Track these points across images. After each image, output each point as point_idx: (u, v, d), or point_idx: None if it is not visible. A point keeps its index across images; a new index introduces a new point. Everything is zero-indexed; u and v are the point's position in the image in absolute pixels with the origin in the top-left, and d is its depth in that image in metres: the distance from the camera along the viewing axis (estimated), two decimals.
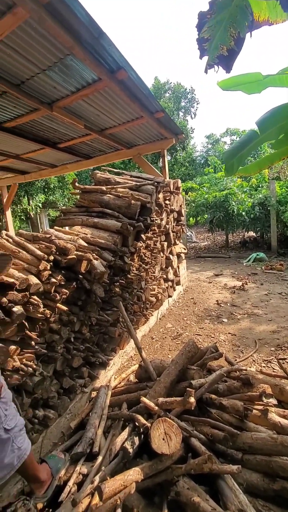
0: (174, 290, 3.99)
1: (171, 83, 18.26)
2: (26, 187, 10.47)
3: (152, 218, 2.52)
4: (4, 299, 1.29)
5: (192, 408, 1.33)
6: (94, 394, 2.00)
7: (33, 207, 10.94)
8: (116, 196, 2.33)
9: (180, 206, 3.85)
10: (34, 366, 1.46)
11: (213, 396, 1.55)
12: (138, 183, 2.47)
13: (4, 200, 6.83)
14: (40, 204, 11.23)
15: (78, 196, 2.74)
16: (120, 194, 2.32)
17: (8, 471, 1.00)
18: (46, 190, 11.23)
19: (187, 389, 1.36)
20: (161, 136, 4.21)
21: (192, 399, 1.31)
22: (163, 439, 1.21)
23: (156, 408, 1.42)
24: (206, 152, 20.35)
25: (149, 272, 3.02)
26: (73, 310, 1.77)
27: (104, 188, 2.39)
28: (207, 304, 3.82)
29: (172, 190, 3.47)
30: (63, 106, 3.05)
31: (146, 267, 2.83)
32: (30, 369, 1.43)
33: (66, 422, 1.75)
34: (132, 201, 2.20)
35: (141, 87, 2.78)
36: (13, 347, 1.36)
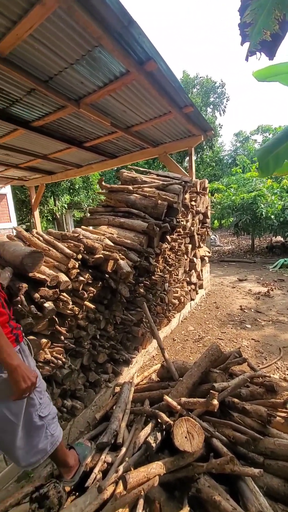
0: (197, 293, 4.01)
1: (200, 77, 17.91)
2: (52, 188, 11.00)
3: (178, 219, 2.58)
4: (37, 295, 1.44)
5: (215, 410, 1.39)
6: (117, 389, 2.13)
7: (59, 208, 11.46)
8: (142, 195, 2.42)
9: (206, 207, 3.85)
10: (63, 359, 1.60)
11: (236, 400, 1.59)
12: (165, 183, 2.53)
13: (33, 200, 7.24)
14: (65, 205, 11.73)
15: (102, 197, 2.85)
16: (147, 194, 2.40)
17: (42, 455, 1.12)
18: (71, 190, 11.70)
19: (210, 391, 1.42)
20: (188, 133, 4.21)
21: (215, 401, 1.37)
22: (186, 437, 1.29)
23: (179, 407, 1.49)
24: (235, 151, 19.74)
25: (173, 274, 3.09)
26: (99, 308, 1.90)
27: (130, 187, 2.49)
28: (230, 309, 3.80)
29: (198, 190, 3.49)
30: (90, 103, 3.14)
31: (170, 269, 2.90)
32: (60, 361, 1.58)
33: (92, 413, 1.89)
34: (159, 201, 2.27)
35: (170, 79, 2.71)
36: (44, 340, 1.51)
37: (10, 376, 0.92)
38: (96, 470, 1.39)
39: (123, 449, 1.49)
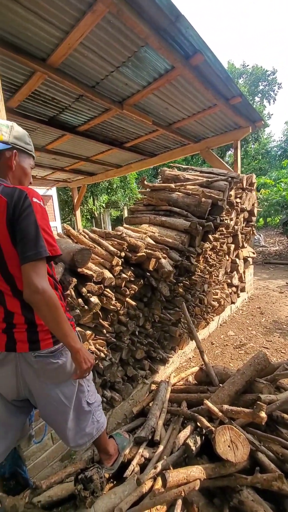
0: (238, 296, 3.82)
1: (247, 65, 16.90)
2: (92, 188, 11.60)
3: (222, 218, 2.49)
4: (84, 289, 1.55)
5: (263, 423, 1.31)
6: (153, 386, 2.17)
7: (97, 207, 12.03)
8: (185, 193, 2.39)
9: (253, 205, 3.63)
10: (105, 352, 1.70)
11: (286, 416, 1.48)
12: (210, 179, 2.46)
13: (75, 200, 7.77)
14: (103, 204, 12.28)
15: (139, 195, 2.89)
16: (190, 192, 2.37)
17: (88, 439, 1.20)
18: (109, 190, 12.18)
19: (257, 402, 1.35)
20: (235, 126, 4.00)
21: (263, 414, 1.29)
22: (229, 446, 1.25)
23: (220, 414, 1.45)
24: (285, 142, 18.08)
25: (213, 275, 3.00)
26: (138, 305, 1.95)
27: (172, 185, 2.48)
28: (277, 316, 3.52)
29: (245, 186, 3.30)
30: (133, 103, 3.21)
31: (210, 269, 2.82)
32: (102, 353, 1.68)
33: (129, 407, 1.96)
34: (203, 199, 2.22)
35: (217, 70, 2.62)
36: (89, 332, 1.62)
37: (74, 358, 0.98)
38: (134, 462, 1.44)
39: (161, 447, 1.51)
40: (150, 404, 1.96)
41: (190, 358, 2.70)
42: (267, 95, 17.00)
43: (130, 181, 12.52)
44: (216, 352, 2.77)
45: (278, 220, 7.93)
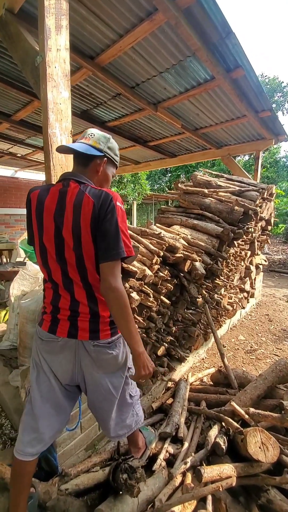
0: (248, 302, 3.86)
1: (266, 76, 16.82)
2: None
3: (248, 226, 2.50)
4: (127, 285, 1.56)
5: None
6: (170, 384, 2.19)
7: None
8: (218, 200, 2.40)
9: (270, 214, 3.64)
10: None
11: None
12: (242, 188, 2.47)
13: None
14: None
15: (148, 192, 2.87)
16: (223, 199, 2.38)
17: (127, 431, 1.21)
18: (119, 184, 12.11)
19: (286, 407, 1.38)
20: (258, 137, 4.02)
21: None
22: (260, 448, 1.28)
23: (247, 416, 1.48)
24: None
25: (229, 280, 3.02)
26: (168, 304, 1.97)
27: (206, 191, 2.49)
28: (286, 324, 3.55)
29: (265, 196, 3.31)
30: (167, 107, 3.23)
31: (229, 274, 2.84)
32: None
33: (148, 402, 1.98)
34: (236, 207, 2.23)
35: (254, 84, 2.66)
36: None
37: (135, 361, 1.00)
38: (161, 457, 1.46)
39: (186, 444, 1.54)
40: (169, 401, 1.98)
41: (203, 359, 2.73)
42: (281, 106, 16.93)
43: (141, 176, 12.46)
44: (228, 355, 2.80)
45: (283, 229, 7.96)
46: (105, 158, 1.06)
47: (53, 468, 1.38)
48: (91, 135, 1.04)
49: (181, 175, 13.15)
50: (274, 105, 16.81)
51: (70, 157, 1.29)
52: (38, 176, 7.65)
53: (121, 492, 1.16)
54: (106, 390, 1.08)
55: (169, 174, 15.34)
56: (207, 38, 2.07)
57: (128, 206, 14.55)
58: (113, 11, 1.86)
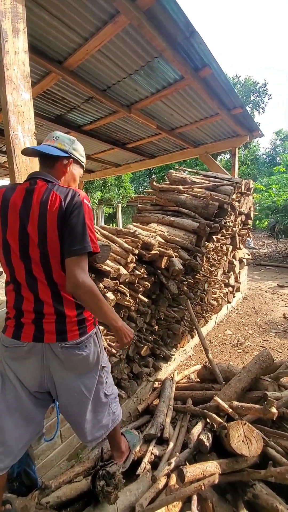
0: (234, 296, 3.87)
1: (239, 76, 17.33)
2: (87, 185, 11.45)
3: (225, 220, 2.50)
4: (101, 285, 1.51)
5: (274, 418, 1.32)
6: (156, 384, 2.13)
7: (91, 204, 11.89)
8: (193, 196, 2.39)
9: (249, 208, 3.69)
10: (115, 348, 1.66)
11: None
12: (216, 183, 2.48)
13: None
14: (96, 201, 12.16)
15: (132, 194, 2.89)
16: (198, 194, 2.37)
17: (105, 431, 1.16)
18: (103, 188, 12.08)
19: (268, 399, 1.35)
20: (233, 134, 4.09)
21: (274, 410, 1.30)
22: (243, 441, 1.24)
23: (231, 410, 1.45)
24: (273, 150, 18.64)
25: (212, 275, 3.01)
26: (147, 302, 1.93)
27: (181, 187, 2.48)
28: (272, 316, 3.58)
29: (243, 191, 3.35)
30: (141, 108, 3.24)
31: (211, 269, 2.84)
32: (113, 349, 1.64)
33: (133, 405, 1.92)
34: (210, 202, 2.23)
35: (223, 82, 2.72)
36: (101, 327, 1.58)
37: (117, 334, 1.04)
38: (145, 460, 1.40)
39: (171, 444, 1.49)
40: (155, 402, 1.93)
41: (190, 356, 2.69)
42: (257, 105, 17.45)
43: (124, 180, 12.49)
44: (215, 350, 2.78)
45: (266, 224, 8.12)
46: (71, 159, 1.08)
47: (33, 482, 1.30)
48: (55, 138, 1.06)
49: (166, 176, 13.28)
50: (250, 105, 17.34)
51: (35, 159, 1.29)
52: None
53: (100, 500, 1.09)
54: (78, 393, 1.04)
55: (154, 176, 15.45)
56: (172, 38, 2.10)
57: (114, 210, 14.49)
58: (76, 15, 1.87)
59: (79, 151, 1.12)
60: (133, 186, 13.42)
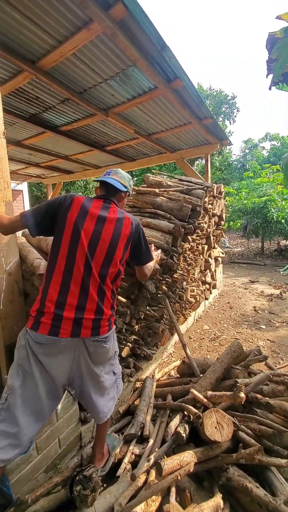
0: (211, 293, 3.99)
1: (213, 89, 18.06)
2: (67, 186, 11.18)
3: (199, 221, 2.58)
4: None
5: (242, 403, 1.38)
6: (138, 384, 2.12)
7: None
8: (168, 198, 2.44)
9: (222, 210, 3.84)
10: None
11: (259, 396, 1.57)
12: (189, 187, 2.55)
13: (49, 197, 7.41)
14: None
15: None
16: (172, 197, 2.42)
17: (113, 403, 1.30)
18: (85, 189, 11.88)
19: (237, 384, 1.41)
20: (205, 141, 4.25)
21: (242, 394, 1.36)
22: (216, 428, 1.29)
23: (205, 400, 1.49)
24: (243, 157, 19.65)
25: (190, 273, 3.08)
26: (126, 303, 1.92)
27: (157, 190, 2.52)
28: (244, 309, 3.75)
29: (215, 194, 3.48)
30: (118, 112, 3.25)
31: (188, 268, 2.90)
32: None
33: (115, 407, 1.88)
34: (184, 204, 2.29)
35: (193, 95, 2.87)
36: None
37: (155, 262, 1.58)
38: (125, 460, 1.38)
39: (151, 441, 1.49)
40: (136, 402, 1.91)
41: (171, 353, 2.73)
42: (228, 116, 18.32)
43: None
44: (194, 345, 2.84)
45: (239, 225, 8.51)
46: (128, 193, 1.35)
47: (7, 498, 1.21)
48: (119, 175, 1.31)
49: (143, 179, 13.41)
50: (222, 115, 18.10)
51: (5, 159, 1.32)
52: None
53: (77, 505, 1.06)
54: (100, 379, 1.16)
55: (135, 178, 15.49)
56: (145, 50, 2.16)
57: None
58: (49, 18, 1.85)
59: (131, 186, 1.41)
60: None
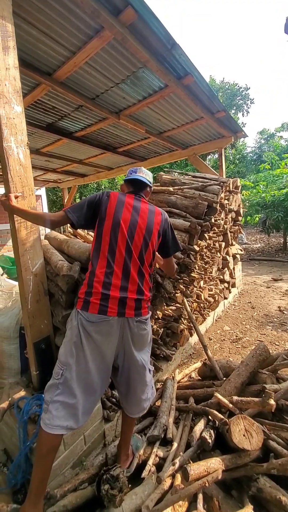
0: (230, 292, 3.87)
1: (226, 82, 17.62)
2: (81, 189, 11.44)
3: (215, 218, 2.51)
4: None
5: (272, 410, 1.31)
6: (158, 385, 2.10)
7: None
8: (183, 196, 2.40)
9: (239, 205, 3.71)
10: None
11: None
12: (204, 184, 2.49)
13: (65, 200, 7.61)
14: None
15: None
16: (187, 195, 2.38)
17: (149, 404, 1.35)
18: (97, 190, 12.10)
19: (266, 391, 1.34)
20: (219, 135, 4.14)
21: (272, 401, 1.29)
22: (244, 436, 1.23)
23: (231, 405, 1.44)
24: (259, 148, 18.90)
25: (207, 272, 3.01)
26: None
27: (171, 188, 2.49)
28: (268, 309, 3.59)
29: (231, 189, 3.37)
30: (129, 114, 3.27)
31: (205, 266, 2.83)
32: None
33: None
34: (200, 201, 2.24)
35: (205, 89, 2.81)
36: None
37: None
38: (150, 462, 1.38)
39: (175, 444, 1.47)
40: (157, 403, 1.89)
41: (190, 355, 2.67)
42: (241, 108, 17.76)
43: (118, 182, 12.52)
44: (215, 347, 2.77)
45: (257, 219, 8.18)
46: (152, 188, 1.51)
47: None
48: (144, 172, 1.44)
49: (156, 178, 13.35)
50: (234, 108, 17.58)
51: (29, 168, 1.47)
52: None
53: (105, 504, 1.06)
54: (140, 365, 1.22)
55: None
56: (154, 51, 2.17)
57: None
58: (63, 31, 1.92)
59: (152, 182, 1.53)
60: None
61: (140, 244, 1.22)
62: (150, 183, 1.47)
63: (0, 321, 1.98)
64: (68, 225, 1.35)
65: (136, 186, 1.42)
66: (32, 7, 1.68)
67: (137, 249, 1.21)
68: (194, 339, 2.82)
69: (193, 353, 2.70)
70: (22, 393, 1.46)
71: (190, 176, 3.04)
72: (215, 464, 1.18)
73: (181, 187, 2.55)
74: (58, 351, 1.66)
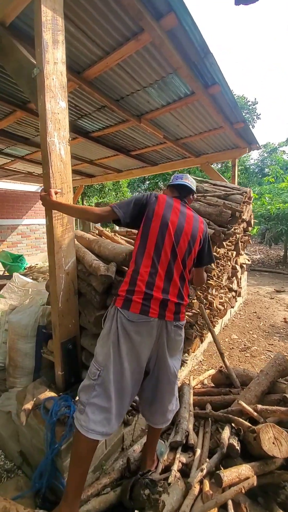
0: (236, 301, 3.93)
1: (235, 95, 18.13)
2: (85, 189, 11.41)
3: (235, 228, 2.57)
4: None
5: None
6: None
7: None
8: (206, 203, 2.45)
9: (250, 216, 3.80)
10: None
11: None
12: (227, 192, 2.55)
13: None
14: (93, 205, 12.14)
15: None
16: (211, 202, 2.43)
17: (173, 413, 1.34)
18: (100, 192, 12.09)
19: None
20: (234, 146, 4.24)
21: None
22: (273, 443, 1.26)
23: (255, 413, 1.47)
24: (262, 161, 19.42)
25: (219, 280, 3.06)
26: None
27: (195, 195, 2.53)
28: (273, 320, 3.67)
29: (245, 200, 3.45)
30: (150, 119, 3.32)
31: (219, 274, 2.88)
32: None
33: None
34: (224, 210, 2.29)
35: (229, 99, 2.87)
36: None
37: None
38: (174, 468, 1.38)
39: (198, 451, 1.48)
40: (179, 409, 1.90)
41: (200, 361, 2.71)
42: (248, 121, 18.27)
43: (122, 184, 12.57)
44: (224, 355, 2.80)
45: (256, 230, 8.34)
46: (195, 195, 1.61)
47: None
48: (190, 179, 1.48)
49: (159, 183, 13.48)
50: None
51: (68, 164, 1.48)
52: (16, 186, 7.36)
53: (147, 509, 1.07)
54: (171, 373, 1.21)
55: (148, 182, 15.62)
56: (187, 57, 2.20)
57: None
58: (100, 30, 1.91)
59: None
60: (128, 191, 13.53)
61: (184, 248, 1.23)
62: (194, 190, 1.51)
63: (18, 319, 1.95)
64: (90, 222, 1.37)
65: (182, 192, 1.45)
66: (75, 3, 1.66)
67: (182, 253, 1.22)
68: (203, 346, 2.86)
69: (203, 359, 2.74)
70: (49, 393, 1.44)
71: (209, 183, 3.10)
72: (245, 471, 1.21)
73: (204, 194, 2.60)
74: (83, 352, 1.67)
